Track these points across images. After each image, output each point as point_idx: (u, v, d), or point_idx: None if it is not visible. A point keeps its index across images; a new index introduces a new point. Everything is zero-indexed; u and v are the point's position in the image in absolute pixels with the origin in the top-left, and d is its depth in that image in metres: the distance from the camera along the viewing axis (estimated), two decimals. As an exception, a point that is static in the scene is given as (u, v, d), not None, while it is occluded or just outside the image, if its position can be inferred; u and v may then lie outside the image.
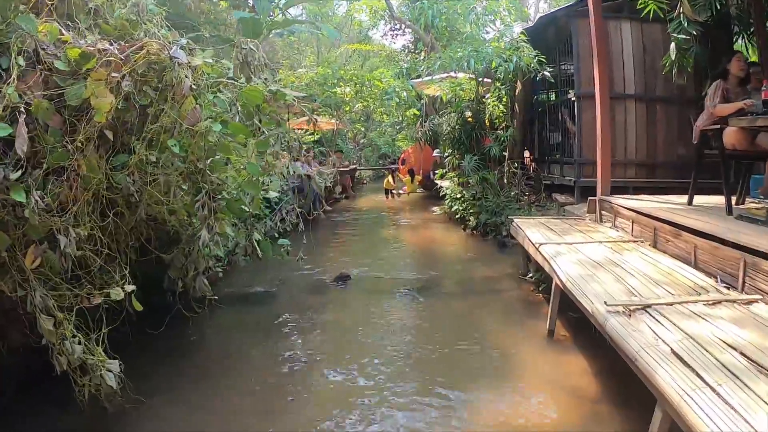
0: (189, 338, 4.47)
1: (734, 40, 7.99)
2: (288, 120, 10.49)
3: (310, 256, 5.89)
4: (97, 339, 3.32)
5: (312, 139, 11.10)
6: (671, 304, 3.15)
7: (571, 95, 8.74)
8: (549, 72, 8.90)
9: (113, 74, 2.96)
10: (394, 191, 16.44)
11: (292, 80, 16.19)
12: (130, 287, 3.32)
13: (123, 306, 3.50)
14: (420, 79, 12.74)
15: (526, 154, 10.59)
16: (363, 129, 22.73)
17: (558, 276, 3.99)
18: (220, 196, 3.52)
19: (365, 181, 22.11)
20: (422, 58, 15.06)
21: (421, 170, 16.10)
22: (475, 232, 9.28)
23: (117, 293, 3.27)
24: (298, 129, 12.25)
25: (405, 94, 11.56)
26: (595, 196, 6.60)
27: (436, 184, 13.77)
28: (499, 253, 7.94)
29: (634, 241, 5.04)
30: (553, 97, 9.81)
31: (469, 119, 10.52)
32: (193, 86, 3.18)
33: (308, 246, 5.58)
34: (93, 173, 3.14)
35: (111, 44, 3.10)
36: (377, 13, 20.75)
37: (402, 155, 18.24)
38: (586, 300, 3.28)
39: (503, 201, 9.17)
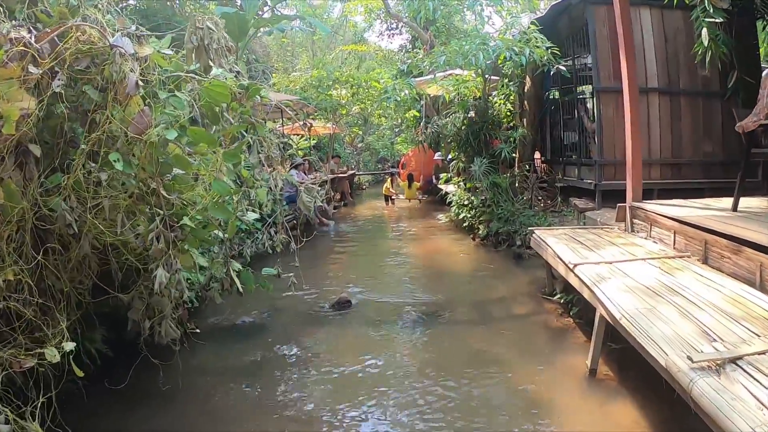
0: (161, 388, 3.72)
1: (762, 28, 7.39)
2: (283, 125, 9.79)
3: (305, 274, 5.14)
4: (33, 410, 2.63)
5: (308, 145, 10.40)
6: (764, 353, 2.45)
7: (588, 91, 8.08)
8: (564, 67, 8.18)
9: (30, 70, 2.24)
10: (393, 197, 15.69)
11: (287, 84, 15.47)
12: (69, 345, 2.60)
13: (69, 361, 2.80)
14: (422, 78, 11.99)
15: (537, 155, 9.85)
16: (361, 133, 21.96)
17: (607, 309, 3.25)
18: (182, 223, 2.78)
19: (364, 186, 21.39)
20: (421, 56, 14.33)
21: (422, 175, 15.34)
22: (485, 241, 8.54)
23: (52, 354, 2.55)
24: (294, 134, 11.55)
25: (406, 92, 10.75)
26: (618, 200, 5.94)
27: (439, 189, 13.00)
28: (514, 266, 7.18)
29: (681, 257, 4.35)
30: (566, 93, 9.06)
31: (476, 119, 9.77)
32: (141, 83, 2.45)
33: (302, 264, 4.83)
34: (13, 201, 2.42)
35: (30, 31, 2.38)
36: (372, 12, 20.11)
37: (402, 159, 17.49)
38: (656, 349, 2.53)
39: (517, 208, 8.42)
